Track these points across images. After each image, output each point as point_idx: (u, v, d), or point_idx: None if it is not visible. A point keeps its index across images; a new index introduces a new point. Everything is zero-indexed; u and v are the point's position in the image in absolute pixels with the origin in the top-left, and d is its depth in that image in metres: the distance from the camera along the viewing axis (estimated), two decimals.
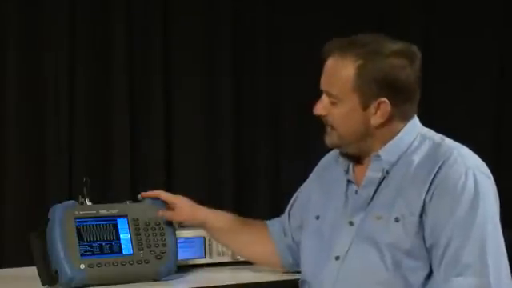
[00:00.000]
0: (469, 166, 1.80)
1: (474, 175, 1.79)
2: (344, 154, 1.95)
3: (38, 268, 2.21)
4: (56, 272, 2.17)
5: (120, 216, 2.30)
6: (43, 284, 2.20)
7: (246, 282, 2.32)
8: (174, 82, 3.20)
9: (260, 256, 2.26)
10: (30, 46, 2.95)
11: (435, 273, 1.77)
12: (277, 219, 2.23)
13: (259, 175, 3.35)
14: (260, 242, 2.22)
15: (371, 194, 1.87)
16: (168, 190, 2.97)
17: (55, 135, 2.96)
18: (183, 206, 2.24)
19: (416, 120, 1.93)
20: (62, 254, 2.16)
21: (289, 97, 3.38)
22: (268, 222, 2.24)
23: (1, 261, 2.77)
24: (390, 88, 1.83)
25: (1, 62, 2.91)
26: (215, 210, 2.26)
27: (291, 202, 2.20)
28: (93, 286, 2.19)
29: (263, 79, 3.36)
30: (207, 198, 3.22)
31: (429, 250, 1.79)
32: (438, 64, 3.47)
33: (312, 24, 3.31)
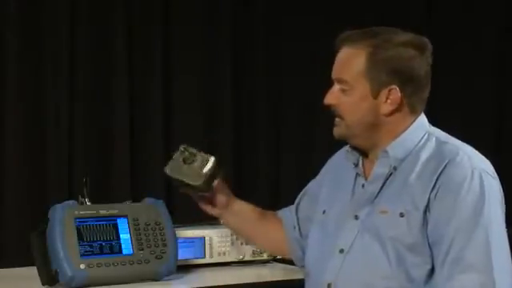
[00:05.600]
0: (475, 167, 1.81)
1: (480, 176, 1.79)
2: (353, 147, 1.95)
3: (38, 268, 2.21)
4: (56, 272, 2.17)
5: (120, 216, 2.31)
6: (43, 284, 2.20)
7: (245, 282, 2.32)
8: (174, 81, 3.20)
9: (271, 246, 2.27)
10: (30, 45, 2.95)
11: (437, 270, 1.78)
12: (290, 210, 2.21)
13: (259, 175, 3.35)
14: (272, 233, 2.19)
15: (377, 190, 1.88)
16: (168, 189, 3.00)
17: (55, 135, 2.96)
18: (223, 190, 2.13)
19: (424, 117, 1.94)
20: (61, 254, 2.16)
21: (289, 97, 3.38)
22: (280, 213, 2.21)
23: (1, 261, 2.77)
24: (400, 76, 1.86)
25: (1, 62, 2.91)
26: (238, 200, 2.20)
27: (300, 195, 2.20)
28: (93, 286, 2.19)
29: (263, 79, 3.36)
30: None
31: (431, 247, 1.79)
32: (438, 64, 3.47)
33: (312, 24, 3.31)
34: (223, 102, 3.27)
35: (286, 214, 2.21)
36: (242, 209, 2.17)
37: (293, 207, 2.20)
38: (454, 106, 3.52)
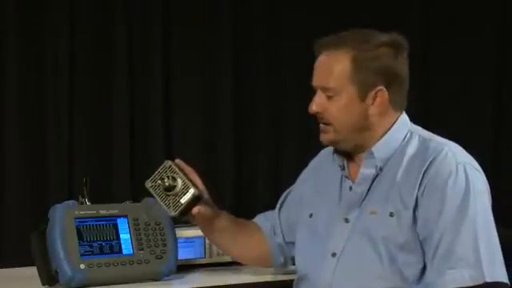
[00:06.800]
0: (459, 161, 1.82)
1: (465, 170, 1.81)
2: (338, 151, 1.96)
3: (38, 268, 2.21)
4: (56, 272, 2.17)
5: (120, 216, 2.31)
6: (43, 284, 2.20)
7: (245, 282, 2.33)
8: (174, 81, 3.20)
9: (253, 257, 2.23)
10: (30, 45, 2.95)
11: (428, 267, 1.79)
12: (265, 217, 2.21)
13: (259, 175, 3.34)
14: (255, 243, 2.19)
15: (365, 191, 1.89)
16: None
17: (55, 135, 2.96)
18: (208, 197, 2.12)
19: (406, 115, 1.95)
20: (61, 254, 2.17)
21: (289, 97, 3.38)
22: (258, 221, 2.21)
23: (1, 261, 2.77)
24: (385, 76, 1.87)
25: (1, 62, 2.91)
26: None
27: (281, 199, 2.20)
28: (93, 286, 2.19)
29: (263, 79, 3.36)
30: None
31: (422, 244, 1.80)
32: (437, 64, 3.48)
33: (312, 24, 3.31)
34: (223, 102, 3.27)
35: (262, 220, 2.20)
36: (223, 224, 2.13)
37: (273, 213, 2.19)
38: (453, 106, 3.51)
